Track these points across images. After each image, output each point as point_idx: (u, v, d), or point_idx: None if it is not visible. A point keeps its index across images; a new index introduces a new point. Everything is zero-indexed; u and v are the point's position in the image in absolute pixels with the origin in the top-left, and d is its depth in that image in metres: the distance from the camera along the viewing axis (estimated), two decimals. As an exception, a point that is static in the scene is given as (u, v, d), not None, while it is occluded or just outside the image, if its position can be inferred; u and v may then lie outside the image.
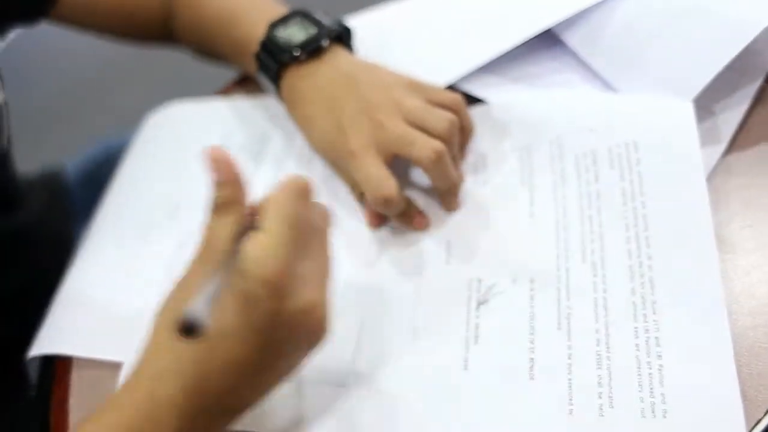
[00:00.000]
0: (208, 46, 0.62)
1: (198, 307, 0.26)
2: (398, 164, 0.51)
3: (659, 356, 0.37)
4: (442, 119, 0.45)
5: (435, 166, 0.44)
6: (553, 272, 0.42)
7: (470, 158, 0.50)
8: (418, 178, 0.49)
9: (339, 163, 0.48)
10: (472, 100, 0.52)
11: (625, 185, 0.44)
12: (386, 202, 0.44)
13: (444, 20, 0.58)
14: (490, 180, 0.48)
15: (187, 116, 0.62)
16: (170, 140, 0.61)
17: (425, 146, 0.44)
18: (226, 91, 0.64)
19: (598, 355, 0.38)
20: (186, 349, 0.32)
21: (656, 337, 0.38)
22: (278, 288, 0.31)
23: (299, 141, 0.54)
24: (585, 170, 0.46)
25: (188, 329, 0.26)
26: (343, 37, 0.53)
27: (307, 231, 0.34)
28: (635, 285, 0.40)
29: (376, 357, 0.41)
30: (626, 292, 0.40)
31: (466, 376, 0.39)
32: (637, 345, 0.38)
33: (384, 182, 0.44)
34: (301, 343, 0.34)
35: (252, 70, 0.55)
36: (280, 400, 0.39)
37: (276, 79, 0.52)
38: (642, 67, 0.48)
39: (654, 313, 0.39)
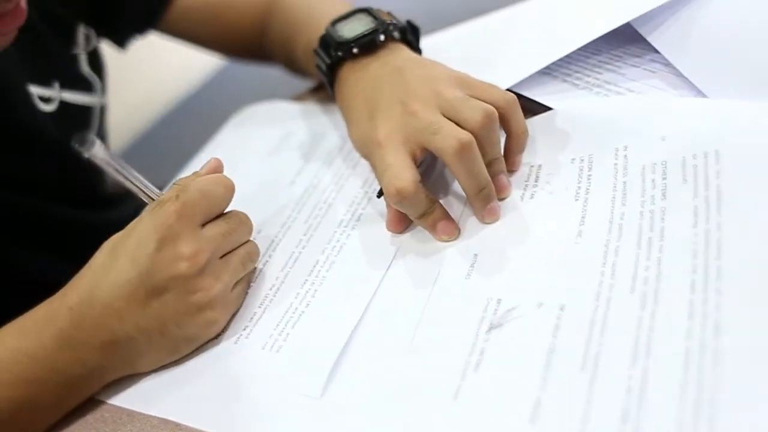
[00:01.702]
0: (290, 56, 0.62)
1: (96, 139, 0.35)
2: (438, 168, 0.46)
3: (711, 430, 0.27)
4: (476, 109, 0.39)
5: (458, 159, 0.38)
6: (590, 300, 0.34)
7: (523, 169, 0.43)
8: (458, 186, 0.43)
9: (368, 156, 0.44)
10: (540, 108, 0.46)
11: (699, 203, 0.34)
12: (400, 194, 0.38)
13: (512, 28, 0.52)
14: (539, 192, 0.41)
15: (258, 116, 0.63)
16: (240, 136, 0.62)
17: (449, 135, 0.38)
18: (299, 97, 0.63)
19: (626, 410, 0.29)
20: (90, 264, 0.39)
21: (710, 400, 0.28)
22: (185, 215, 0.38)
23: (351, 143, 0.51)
24: (651, 185, 0.37)
25: (80, 139, 0.34)
26: (406, 35, 0.49)
27: (237, 218, 0.41)
28: (693, 326, 0.30)
29: (361, 367, 0.36)
30: (680, 334, 0.30)
31: (452, 407, 0.32)
32: (681, 407, 0.28)
33: (401, 172, 0.39)
34: (187, 313, 0.38)
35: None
36: (255, 408, 0.36)
37: (331, 74, 0.50)
38: (737, 71, 0.39)
39: (714, 367, 0.29)
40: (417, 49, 0.50)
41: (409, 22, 0.50)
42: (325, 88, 0.56)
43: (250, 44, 0.69)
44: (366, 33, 0.47)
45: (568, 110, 0.44)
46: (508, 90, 0.43)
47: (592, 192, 0.39)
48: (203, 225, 0.39)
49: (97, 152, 0.34)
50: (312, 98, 0.61)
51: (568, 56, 0.47)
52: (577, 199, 0.39)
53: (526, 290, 0.36)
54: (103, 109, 0.67)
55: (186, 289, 0.37)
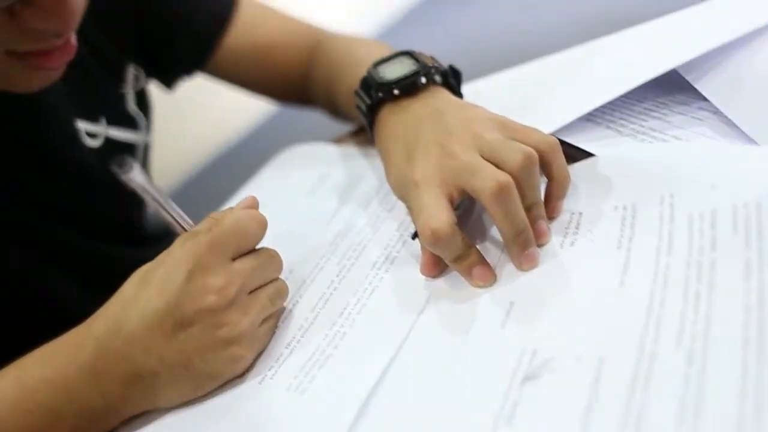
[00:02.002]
0: (332, 99, 0.63)
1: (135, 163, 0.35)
2: (476, 212, 0.45)
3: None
4: (516, 151, 0.38)
5: (495, 200, 0.37)
6: (633, 355, 0.32)
7: (564, 216, 0.42)
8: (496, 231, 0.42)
9: (405, 196, 0.43)
10: (582, 155, 0.44)
11: (751, 255, 0.32)
12: (434, 235, 0.37)
13: (555, 74, 0.52)
14: (580, 240, 0.39)
15: (298, 157, 0.63)
16: (278, 176, 0.62)
17: (487, 176, 0.37)
18: (339, 140, 0.64)
19: (671, 474, 0.27)
20: (119, 294, 0.39)
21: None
22: (217, 245, 0.38)
23: (388, 185, 0.50)
24: (699, 234, 0.35)
25: (119, 161, 0.34)
26: (448, 78, 0.49)
27: (268, 254, 0.41)
28: (747, 387, 0.28)
29: (388, 414, 0.34)
30: (731, 393, 0.28)
31: (481, 462, 0.30)
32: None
33: (437, 213, 0.38)
34: (213, 348, 0.37)
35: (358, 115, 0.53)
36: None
37: (371, 115, 0.50)
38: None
39: (770, 432, 0.26)
40: (458, 94, 0.50)
41: (451, 67, 0.50)
42: (364, 132, 0.56)
43: (295, 87, 0.70)
44: (407, 75, 0.47)
45: (611, 157, 0.43)
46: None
47: (635, 241, 0.37)
48: (234, 259, 0.39)
49: (134, 176, 0.34)
50: (351, 141, 0.61)
51: (612, 103, 0.46)
52: (619, 248, 0.37)
53: (564, 341, 0.34)
54: (147, 147, 0.69)
55: (213, 323, 0.37)
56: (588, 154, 0.44)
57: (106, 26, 0.61)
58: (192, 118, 1.84)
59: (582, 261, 0.38)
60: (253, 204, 0.42)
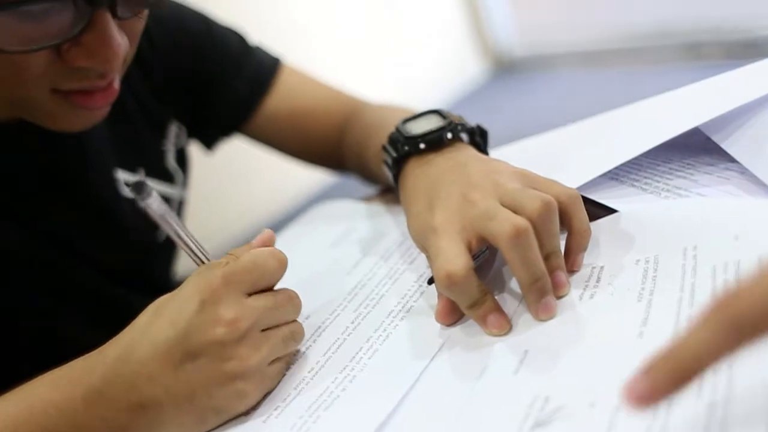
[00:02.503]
0: (362, 160, 0.64)
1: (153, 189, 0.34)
2: (496, 266, 0.44)
3: None
4: (534, 198, 0.38)
5: (512, 245, 0.36)
6: (650, 404, 0.30)
7: (584, 270, 0.41)
8: (515, 283, 0.41)
9: (424, 243, 0.43)
10: (605, 214, 0.44)
11: (777, 305, 0.31)
12: (449, 278, 0.37)
13: (578, 137, 0.52)
14: (600, 293, 0.38)
15: (325, 212, 0.65)
16: (304, 230, 0.63)
17: (505, 220, 0.37)
18: (367, 199, 0.65)
19: None
20: (133, 323, 0.39)
21: None
22: (231, 281, 0.37)
23: (411, 240, 0.51)
24: (723, 286, 0.34)
25: (138, 186, 0.33)
26: (474, 136, 0.50)
27: (286, 294, 0.41)
28: (772, 440, 0.26)
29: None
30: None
31: None
32: None
33: (453, 257, 0.38)
34: (219, 385, 0.37)
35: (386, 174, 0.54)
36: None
37: (396, 168, 0.51)
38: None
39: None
40: (484, 152, 0.51)
41: (478, 126, 0.51)
42: (391, 192, 0.57)
43: (329, 152, 0.72)
44: (434, 130, 0.48)
45: (633, 212, 0.42)
46: None
47: (656, 293, 0.36)
48: (249, 295, 0.39)
49: (152, 203, 0.34)
50: (379, 200, 0.62)
51: (637, 164, 0.46)
52: (640, 300, 0.36)
53: (577, 389, 0.32)
54: (182, 203, 0.71)
55: (221, 356, 0.36)
56: (611, 211, 0.43)
57: (152, 82, 0.64)
58: (233, 183, 1.88)
59: (601, 312, 0.37)
60: (270, 239, 0.42)
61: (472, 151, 0.48)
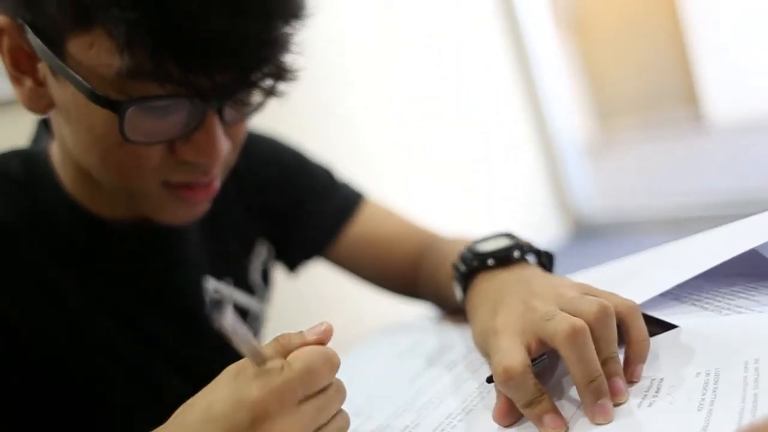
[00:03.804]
0: (436, 284, 0.67)
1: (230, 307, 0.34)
2: (557, 374, 0.45)
3: None
4: (592, 302, 0.40)
5: (568, 343, 0.38)
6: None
7: (644, 382, 0.41)
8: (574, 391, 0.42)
9: (486, 347, 0.45)
10: (666, 328, 0.45)
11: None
12: (506, 373, 0.39)
13: (641, 263, 0.54)
14: (659, 402, 0.38)
15: (396, 326, 0.68)
16: (374, 341, 0.66)
17: (562, 320, 0.39)
18: (437, 318, 0.67)
19: None
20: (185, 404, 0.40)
21: None
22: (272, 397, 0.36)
23: (476, 353, 0.52)
24: (784, 395, 0.34)
25: (215, 303, 0.33)
26: (541, 257, 0.53)
27: (335, 387, 0.39)
28: None
29: None
30: None
31: None
32: None
33: (511, 354, 0.40)
34: None
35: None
36: None
37: (465, 283, 0.54)
38: None
39: None
40: (550, 272, 0.53)
41: (545, 249, 0.54)
42: (460, 311, 0.59)
43: (406, 280, 0.75)
44: (502, 248, 0.52)
45: (694, 327, 0.43)
46: None
47: (717, 403, 0.36)
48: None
49: (226, 319, 0.34)
50: (448, 318, 0.64)
51: (699, 287, 0.47)
52: (700, 410, 0.36)
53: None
54: (262, 316, 0.75)
55: None
56: (671, 326, 0.44)
57: (247, 203, 0.72)
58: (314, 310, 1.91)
59: (659, 419, 0.37)
60: (327, 334, 0.40)
61: (537, 270, 0.51)
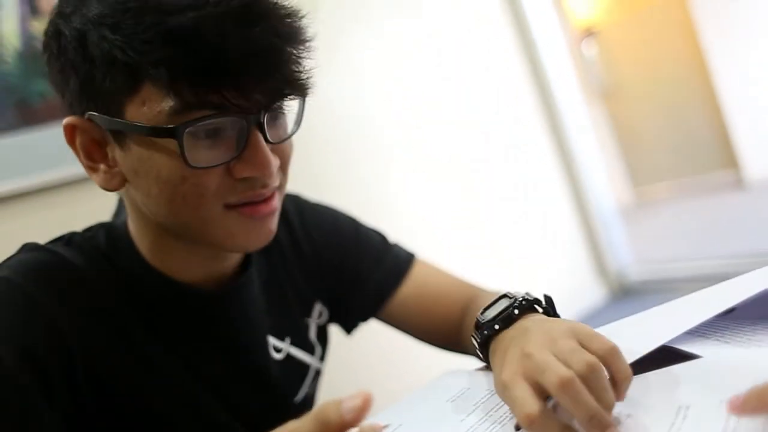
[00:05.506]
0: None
1: None
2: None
3: None
4: (580, 359, 0.45)
5: (562, 392, 0.43)
6: None
7: (671, 409, 0.44)
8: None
9: (504, 398, 0.50)
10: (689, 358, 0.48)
11: None
12: (529, 418, 0.44)
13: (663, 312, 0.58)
14: (686, 427, 0.41)
15: (450, 376, 0.70)
16: (430, 385, 0.68)
17: (553, 372, 0.44)
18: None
19: None
20: None
21: None
22: None
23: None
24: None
25: None
26: (541, 304, 0.59)
27: None
28: None
29: None
30: None
31: None
32: None
33: (526, 401, 0.45)
34: None
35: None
36: None
37: (484, 351, 0.59)
38: None
39: None
40: (553, 314, 0.59)
41: (544, 295, 0.59)
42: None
43: (452, 335, 0.79)
44: (503, 310, 0.58)
45: (717, 358, 0.46)
46: None
47: (742, 423, 0.39)
48: None
49: None
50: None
51: (724, 326, 0.50)
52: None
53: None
54: (318, 373, 0.79)
55: None
56: (694, 357, 0.47)
57: (305, 267, 0.77)
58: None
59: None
60: (366, 406, 0.37)
61: (537, 317, 0.57)
